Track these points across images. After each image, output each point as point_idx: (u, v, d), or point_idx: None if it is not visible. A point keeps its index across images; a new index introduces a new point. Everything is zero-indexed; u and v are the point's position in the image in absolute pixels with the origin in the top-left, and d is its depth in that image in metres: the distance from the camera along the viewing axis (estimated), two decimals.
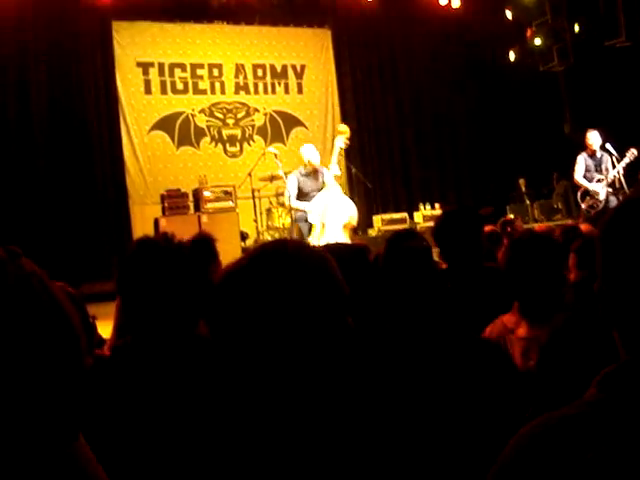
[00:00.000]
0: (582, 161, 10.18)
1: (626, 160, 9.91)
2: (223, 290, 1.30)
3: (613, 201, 9.99)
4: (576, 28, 12.99)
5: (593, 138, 10.07)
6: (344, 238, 8.32)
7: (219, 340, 1.27)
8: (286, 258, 1.28)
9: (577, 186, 10.41)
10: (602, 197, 9.97)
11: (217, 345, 1.28)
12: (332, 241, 8.03)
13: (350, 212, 8.55)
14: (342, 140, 8.65)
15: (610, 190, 9.99)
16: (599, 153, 10.11)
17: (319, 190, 8.90)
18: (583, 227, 6.21)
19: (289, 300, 1.23)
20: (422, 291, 2.46)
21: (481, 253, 3.92)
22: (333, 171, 8.63)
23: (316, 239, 8.35)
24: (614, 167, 9.97)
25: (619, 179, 9.96)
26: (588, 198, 10.10)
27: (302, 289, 1.25)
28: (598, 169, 10.12)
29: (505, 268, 3.02)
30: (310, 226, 8.74)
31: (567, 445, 0.94)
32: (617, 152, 9.99)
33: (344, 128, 8.83)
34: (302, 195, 9.07)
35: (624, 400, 0.98)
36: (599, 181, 10.04)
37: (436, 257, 4.62)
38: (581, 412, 1.00)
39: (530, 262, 2.88)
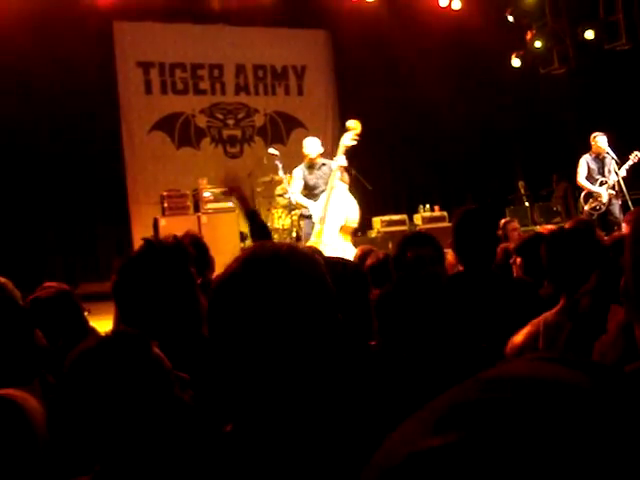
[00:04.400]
0: (585, 163, 10.18)
1: (629, 163, 9.93)
2: (218, 295, 1.30)
3: (615, 204, 10.00)
4: (588, 34, 12.93)
5: (601, 141, 10.05)
6: (342, 242, 8.26)
7: (217, 343, 1.28)
8: (278, 261, 1.28)
9: (580, 188, 10.42)
10: (605, 200, 9.98)
11: (215, 347, 1.29)
12: (329, 244, 8.02)
13: (349, 214, 8.39)
14: (349, 137, 8.33)
15: (613, 193, 10.00)
16: (602, 155, 10.11)
17: (325, 183, 8.72)
18: (567, 225, 6.26)
19: (283, 303, 1.24)
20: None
21: (495, 255, 3.92)
22: (339, 162, 8.36)
23: (314, 242, 8.30)
24: (616, 170, 9.98)
25: (618, 182, 9.97)
26: (591, 200, 10.11)
27: (295, 291, 1.25)
28: (601, 171, 10.13)
29: (549, 266, 3.05)
30: (312, 225, 8.67)
31: None
32: (617, 155, 10.00)
33: (352, 124, 8.43)
34: (307, 188, 8.98)
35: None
36: (602, 184, 10.05)
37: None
38: None
39: (573, 261, 2.93)
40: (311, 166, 8.97)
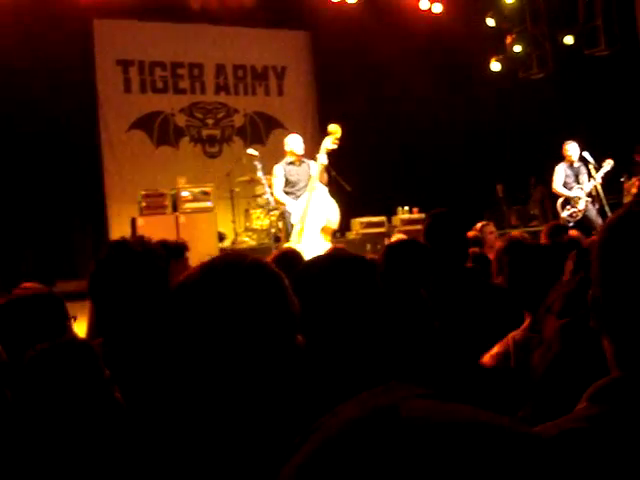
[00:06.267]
0: (562, 171, 10.26)
1: (604, 170, 10.01)
2: (174, 301, 1.29)
3: (591, 209, 10.07)
4: (567, 40, 13.08)
5: (572, 149, 10.16)
6: (322, 241, 8.28)
7: (167, 349, 1.27)
8: (238, 274, 1.27)
9: (557, 195, 10.48)
10: (581, 206, 10.05)
11: (164, 353, 1.28)
12: (310, 244, 8.03)
13: (329, 215, 8.45)
14: (330, 140, 8.42)
15: (589, 199, 10.08)
16: (577, 163, 10.20)
17: (306, 180, 8.81)
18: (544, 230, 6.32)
19: (237, 317, 1.22)
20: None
21: (467, 258, 3.94)
22: (320, 160, 8.44)
23: (294, 240, 8.32)
24: (590, 177, 10.06)
25: (596, 188, 10.06)
26: (568, 207, 10.17)
27: (251, 307, 1.23)
28: (576, 179, 10.20)
29: (510, 283, 3.03)
30: (292, 225, 8.68)
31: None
32: (595, 160, 10.08)
33: (333, 128, 8.52)
34: (289, 184, 9.00)
35: (631, 414, 0.97)
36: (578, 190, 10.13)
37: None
38: (583, 427, 0.99)
39: (535, 274, 2.94)
40: (292, 162, 9.02)
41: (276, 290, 1.29)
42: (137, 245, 2.25)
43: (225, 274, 1.27)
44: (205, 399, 1.21)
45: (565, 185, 10.22)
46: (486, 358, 3.02)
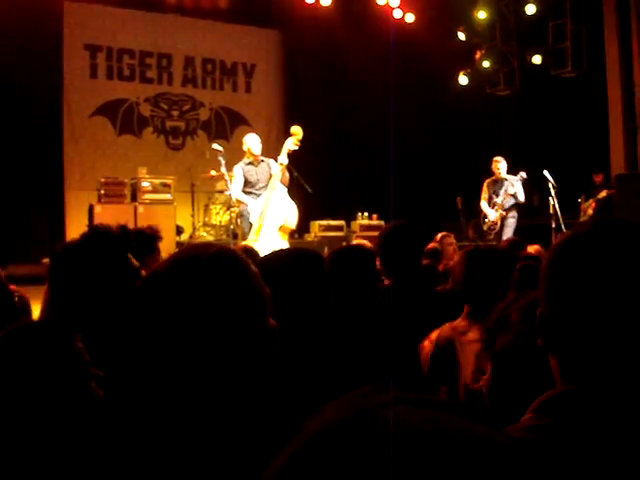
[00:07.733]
0: (486, 187, 10.72)
1: (517, 184, 10.34)
2: (142, 293, 1.29)
3: (508, 225, 10.53)
4: (535, 59, 13.31)
5: (501, 166, 10.59)
6: (280, 241, 8.27)
7: (135, 342, 1.26)
8: (205, 262, 1.27)
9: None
10: (492, 218, 10.64)
11: (132, 346, 1.27)
12: (267, 242, 8.01)
13: (288, 215, 8.45)
14: (292, 142, 8.47)
15: (503, 213, 10.51)
16: (502, 177, 10.51)
17: (266, 179, 8.80)
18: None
19: (205, 306, 1.22)
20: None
21: (419, 269, 4.00)
22: (281, 160, 8.44)
23: (252, 239, 8.29)
24: (550, 195, 10.35)
25: (554, 207, 10.30)
26: (487, 221, 10.63)
27: (218, 295, 1.24)
28: (497, 193, 10.61)
29: (461, 276, 3.12)
30: (250, 223, 8.65)
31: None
32: (554, 179, 10.28)
33: (295, 129, 8.60)
34: (248, 184, 8.96)
35: (578, 427, 0.99)
36: (494, 204, 10.55)
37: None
38: (532, 437, 1.00)
39: (486, 271, 3.06)
40: (252, 162, 8.98)
41: (244, 276, 1.29)
42: (118, 231, 2.24)
43: (194, 262, 1.27)
44: (177, 389, 1.21)
45: (490, 199, 10.65)
46: (427, 343, 3.16)
